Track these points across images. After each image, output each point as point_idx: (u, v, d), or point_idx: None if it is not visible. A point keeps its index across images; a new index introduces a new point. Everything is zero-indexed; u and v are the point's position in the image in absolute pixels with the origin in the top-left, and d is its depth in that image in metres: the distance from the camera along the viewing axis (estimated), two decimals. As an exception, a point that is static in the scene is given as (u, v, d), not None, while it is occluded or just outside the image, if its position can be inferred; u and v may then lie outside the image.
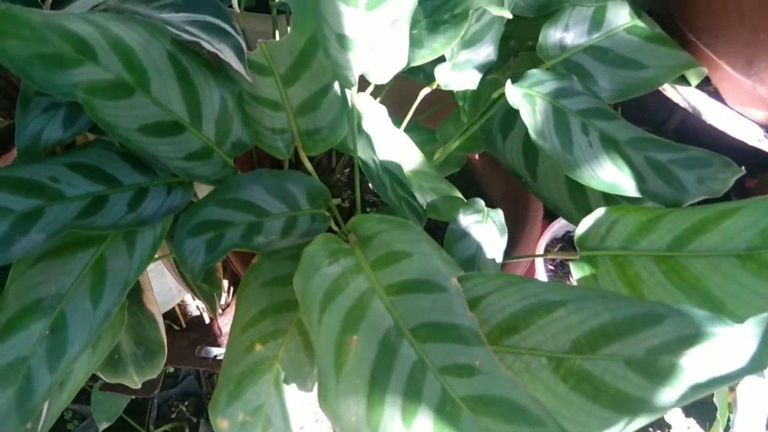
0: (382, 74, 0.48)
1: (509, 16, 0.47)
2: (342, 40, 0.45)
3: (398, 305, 0.43)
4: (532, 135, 0.52)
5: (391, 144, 0.63)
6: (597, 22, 0.56)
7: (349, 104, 0.51)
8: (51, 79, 0.38)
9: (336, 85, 0.52)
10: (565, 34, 0.56)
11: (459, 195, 0.65)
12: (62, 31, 0.40)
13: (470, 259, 0.57)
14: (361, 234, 0.50)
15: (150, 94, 0.45)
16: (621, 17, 0.56)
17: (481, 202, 0.60)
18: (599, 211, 0.53)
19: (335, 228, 0.57)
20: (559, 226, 0.92)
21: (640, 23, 0.56)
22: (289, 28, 0.73)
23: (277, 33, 0.69)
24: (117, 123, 0.42)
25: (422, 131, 0.73)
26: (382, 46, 0.46)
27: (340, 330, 0.43)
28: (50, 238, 0.40)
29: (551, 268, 0.88)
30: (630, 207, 0.52)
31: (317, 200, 0.53)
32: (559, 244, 0.90)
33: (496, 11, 0.46)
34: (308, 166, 0.56)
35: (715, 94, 0.59)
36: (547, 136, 0.52)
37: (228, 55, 0.47)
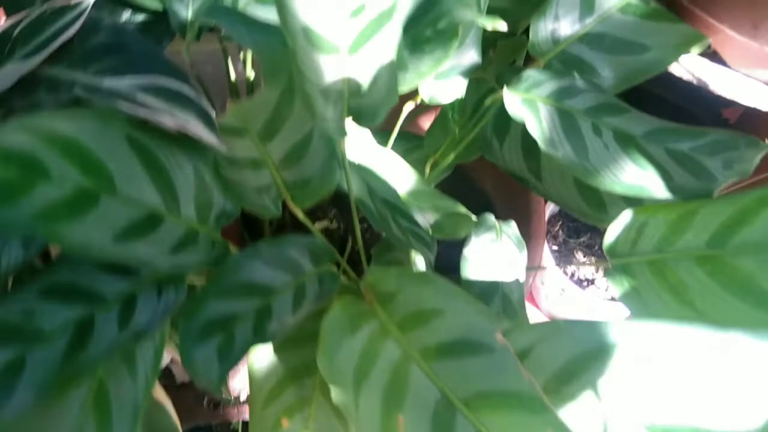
0: (373, 118, 0.42)
1: (504, 28, 0.41)
2: (326, 93, 0.39)
3: (441, 373, 0.39)
4: (543, 146, 0.47)
5: (380, 169, 0.57)
6: (588, 5, 0.51)
7: (339, 152, 0.46)
8: (1, 218, 0.32)
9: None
10: (555, 24, 0.51)
11: (462, 209, 0.60)
12: None
13: (493, 286, 0.53)
14: (380, 291, 0.45)
15: (117, 194, 0.38)
16: (612, -3, 0.51)
17: (491, 218, 0.55)
18: (626, 215, 0.49)
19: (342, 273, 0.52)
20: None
21: (633, 0, 0.51)
22: (244, 54, 0.66)
23: (231, 68, 0.63)
24: (90, 242, 0.36)
25: (407, 138, 0.68)
26: (371, 89, 0.40)
27: (382, 412, 0.39)
28: (41, 392, 0.34)
29: (555, 248, 0.85)
30: (657, 205, 0.48)
31: (322, 258, 0.48)
32: (559, 222, 0.86)
33: (490, 25, 0.41)
34: (306, 222, 0.50)
35: (715, 57, 0.55)
36: (558, 144, 0.48)
37: (194, 126, 0.41)
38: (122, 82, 0.45)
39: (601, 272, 0.82)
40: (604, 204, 0.55)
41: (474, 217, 0.61)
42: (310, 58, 0.37)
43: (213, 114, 0.43)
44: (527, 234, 0.68)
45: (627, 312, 0.81)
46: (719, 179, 0.47)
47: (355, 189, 0.51)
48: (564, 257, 0.84)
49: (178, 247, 0.43)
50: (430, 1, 0.46)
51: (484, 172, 0.77)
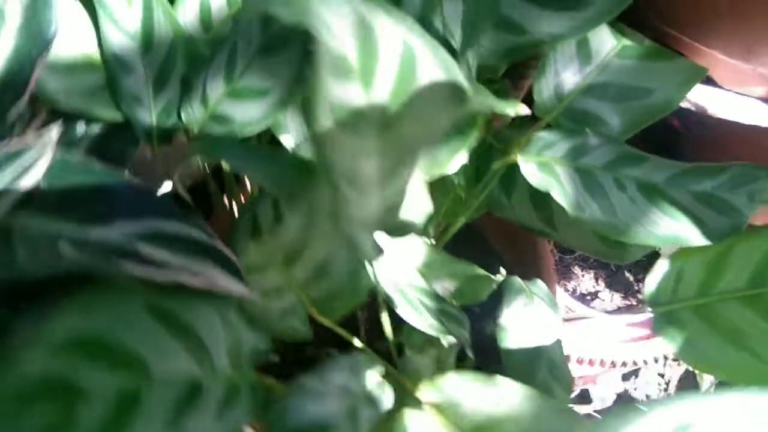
0: (407, 232, 0.39)
1: (527, 112, 0.39)
2: (362, 223, 0.36)
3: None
4: (570, 211, 0.45)
5: (391, 247, 0.54)
6: (585, 55, 0.49)
7: (372, 276, 0.43)
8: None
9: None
10: (557, 80, 0.49)
11: (480, 271, 0.58)
12: (25, 386, 0.28)
13: (535, 352, 0.52)
14: (440, 402, 0.43)
15: (155, 380, 0.34)
16: (606, 42, 0.50)
17: (517, 281, 0.54)
18: (663, 265, 0.48)
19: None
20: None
21: (626, 42, 0.50)
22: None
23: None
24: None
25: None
26: (407, 209, 0.37)
27: None
28: None
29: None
30: (691, 248, 0.47)
31: (370, 375, 0.45)
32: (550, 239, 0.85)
33: (512, 112, 0.38)
34: (346, 336, 0.47)
35: (707, 80, 0.54)
36: (584, 205, 0.46)
37: (221, 280, 0.37)
38: (113, 232, 0.40)
39: (602, 284, 0.82)
40: (624, 245, 0.54)
41: (494, 277, 0.59)
42: (352, 197, 0.33)
43: (233, 257, 0.39)
44: (538, 270, 0.66)
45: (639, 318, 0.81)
46: (744, 213, 0.46)
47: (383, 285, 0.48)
48: (561, 274, 0.83)
49: (223, 408, 0.39)
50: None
51: (485, 223, 0.75)
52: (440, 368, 0.54)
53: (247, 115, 0.51)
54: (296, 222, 0.39)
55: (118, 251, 0.39)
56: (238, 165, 0.38)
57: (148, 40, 0.52)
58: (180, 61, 0.53)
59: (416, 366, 0.52)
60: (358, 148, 0.29)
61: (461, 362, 0.55)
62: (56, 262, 0.42)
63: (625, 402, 0.93)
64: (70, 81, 0.53)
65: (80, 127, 0.56)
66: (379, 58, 0.27)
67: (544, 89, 0.49)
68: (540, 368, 0.52)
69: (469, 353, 0.53)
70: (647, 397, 0.94)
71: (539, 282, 0.53)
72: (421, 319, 0.49)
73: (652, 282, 0.48)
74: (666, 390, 0.95)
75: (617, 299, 0.81)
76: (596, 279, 0.82)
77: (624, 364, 0.89)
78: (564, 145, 0.47)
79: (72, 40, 0.53)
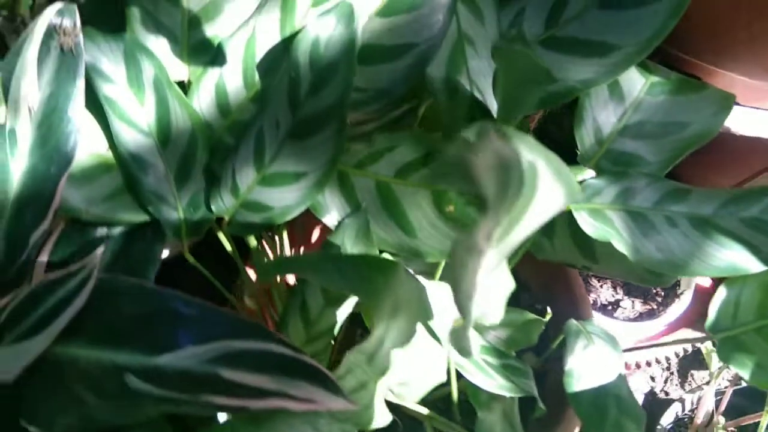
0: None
1: (593, 174, 0.39)
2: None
3: None
4: (631, 256, 0.46)
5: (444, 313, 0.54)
6: (618, 96, 0.50)
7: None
8: None
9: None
10: (595, 125, 0.49)
11: (531, 315, 0.58)
12: None
13: (602, 391, 0.52)
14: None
15: None
16: (635, 82, 0.50)
17: (575, 324, 0.54)
18: (721, 292, 0.48)
19: None
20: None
21: (654, 78, 0.50)
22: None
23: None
24: None
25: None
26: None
27: None
28: None
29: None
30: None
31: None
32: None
33: (582, 177, 0.38)
34: (418, 410, 0.45)
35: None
36: (642, 247, 0.46)
37: (323, 399, 0.35)
38: (185, 358, 0.38)
39: (621, 292, 0.83)
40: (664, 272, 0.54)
41: (544, 319, 0.59)
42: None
43: (322, 368, 0.37)
44: (576, 312, 0.67)
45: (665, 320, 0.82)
46: (793, 232, 0.48)
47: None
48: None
49: None
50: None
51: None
52: (507, 421, 0.54)
53: (284, 200, 0.49)
54: (381, 326, 0.38)
55: (197, 380, 0.38)
56: (321, 280, 0.36)
57: (165, 135, 0.50)
58: (201, 151, 0.51)
59: (489, 425, 0.52)
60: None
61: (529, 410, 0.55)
62: (128, 401, 0.40)
63: (654, 401, 0.94)
64: (89, 189, 0.50)
65: (100, 231, 0.54)
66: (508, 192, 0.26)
67: (585, 137, 0.49)
68: (609, 407, 0.52)
69: (540, 404, 0.53)
70: (666, 393, 0.96)
71: (593, 321, 0.54)
72: (491, 381, 0.49)
73: (711, 311, 0.48)
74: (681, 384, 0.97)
75: (638, 305, 0.82)
76: (614, 288, 0.83)
77: (648, 364, 0.90)
78: (612, 190, 0.47)
79: (84, 145, 0.51)
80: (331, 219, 0.50)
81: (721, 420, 0.89)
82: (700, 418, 0.94)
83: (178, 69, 0.51)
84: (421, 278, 0.56)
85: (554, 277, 0.68)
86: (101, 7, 0.54)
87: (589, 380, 0.52)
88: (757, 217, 0.47)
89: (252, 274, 0.69)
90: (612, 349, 0.53)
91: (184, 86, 0.52)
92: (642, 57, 0.46)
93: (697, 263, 0.46)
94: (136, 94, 0.49)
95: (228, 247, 0.56)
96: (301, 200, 0.49)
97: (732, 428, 0.89)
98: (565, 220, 0.52)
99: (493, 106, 0.50)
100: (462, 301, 0.29)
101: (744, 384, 0.90)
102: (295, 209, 0.49)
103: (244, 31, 0.49)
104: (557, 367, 0.61)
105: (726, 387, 0.91)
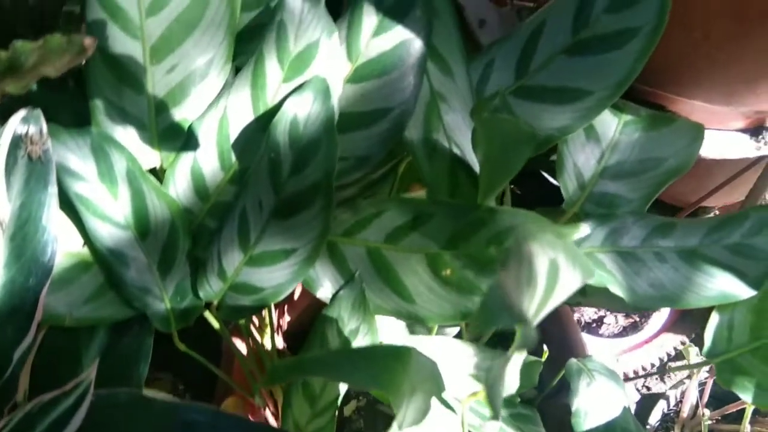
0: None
1: (588, 231, 0.39)
2: None
3: None
4: (628, 299, 0.46)
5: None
6: (596, 140, 0.50)
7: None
8: None
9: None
10: (576, 171, 0.50)
11: (531, 357, 0.58)
12: None
13: (609, 427, 0.52)
14: None
15: None
16: (609, 123, 0.51)
17: (575, 363, 0.54)
18: (714, 319, 0.50)
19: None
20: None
21: (627, 116, 0.51)
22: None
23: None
24: None
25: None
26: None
27: None
28: None
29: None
30: (734, 296, 0.49)
31: None
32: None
33: (577, 235, 0.39)
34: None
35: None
36: (636, 287, 0.47)
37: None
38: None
39: (603, 309, 0.85)
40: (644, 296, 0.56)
41: (541, 360, 0.59)
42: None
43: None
44: (571, 347, 0.67)
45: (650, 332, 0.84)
46: (772, 252, 0.49)
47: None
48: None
49: None
50: (478, 221, 0.43)
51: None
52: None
53: (274, 279, 0.48)
54: (402, 409, 0.37)
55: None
56: (335, 377, 0.36)
57: (143, 226, 0.48)
58: (183, 238, 0.49)
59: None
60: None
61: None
62: None
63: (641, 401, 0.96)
64: (69, 292, 0.48)
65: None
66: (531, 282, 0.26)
67: (569, 183, 0.50)
68: (617, 441, 0.53)
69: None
70: (648, 389, 0.98)
71: (593, 357, 0.54)
72: (504, 435, 0.49)
73: (707, 337, 0.50)
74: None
75: (621, 320, 0.83)
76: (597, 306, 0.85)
77: (636, 373, 0.92)
78: (600, 233, 0.48)
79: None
80: (324, 292, 0.49)
81: (706, 412, 0.91)
82: (685, 413, 0.96)
83: (149, 156, 0.49)
84: (421, 338, 0.55)
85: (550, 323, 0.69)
86: (53, 97, 0.52)
87: (596, 418, 0.52)
88: (740, 242, 0.49)
89: (240, 344, 0.67)
90: (614, 384, 0.54)
91: (158, 172, 0.50)
92: (614, 99, 0.47)
93: (689, 295, 0.47)
94: (109, 189, 0.47)
95: (216, 325, 0.55)
96: (293, 277, 0.48)
97: (717, 417, 0.91)
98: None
99: (473, 161, 0.50)
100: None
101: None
102: (288, 287, 0.48)
103: (214, 112, 0.48)
104: (557, 402, 0.61)
105: (706, 378, 0.93)
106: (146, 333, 0.51)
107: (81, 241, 0.50)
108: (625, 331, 0.84)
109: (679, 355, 0.99)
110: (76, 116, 0.49)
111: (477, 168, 0.49)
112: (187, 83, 0.48)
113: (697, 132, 0.50)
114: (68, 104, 0.50)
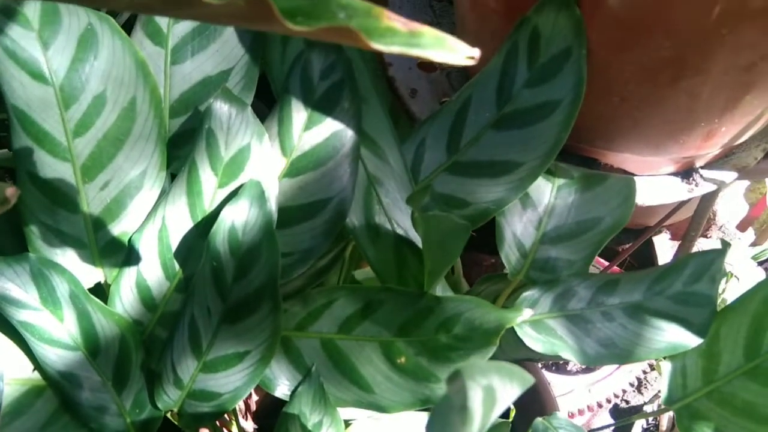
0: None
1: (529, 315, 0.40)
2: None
3: None
4: (580, 361, 0.47)
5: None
6: (532, 207, 0.51)
7: None
8: None
9: None
10: (516, 241, 0.51)
11: (499, 420, 0.59)
12: None
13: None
14: None
15: None
16: (543, 188, 0.52)
17: (541, 423, 0.55)
18: (666, 366, 0.51)
19: None
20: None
21: (560, 180, 0.52)
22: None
23: None
24: None
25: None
26: None
27: None
28: None
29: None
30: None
31: None
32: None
33: (523, 317, 0.39)
34: None
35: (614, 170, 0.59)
36: (587, 348, 0.48)
37: None
38: None
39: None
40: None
41: (509, 420, 0.60)
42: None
43: None
44: (541, 405, 0.68)
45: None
46: (713, 295, 0.51)
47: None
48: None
49: None
50: (426, 309, 0.43)
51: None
52: None
53: (230, 383, 0.48)
54: None
55: None
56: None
57: (93, 346, 0.47)
58: (135, 352, 0.49)
59: None
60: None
61: None
62: None
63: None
64: (23, 422, 0.47)
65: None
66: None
67: (510, 254, 0.51)
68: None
69: None
70: (627, 402, 0.99)
71: (557, 414, 0.55)
72: None
73: (663, 386, 0.51)
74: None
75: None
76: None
77: (608, 401, 0.93)
78: (547, 299, 0.49)
79: (7, 373, 0.48)
80: (283, 389, 0.49)
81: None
82: (664, 426, 0.98)
83: (92, 274, 0.49)
84: (384, 417, 0.55)
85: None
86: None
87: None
88: (682, 290, 0.50)
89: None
90: (579, 438, 0.54)
91: (103, 287, 0.50)
92: (545, 168, 0.48)
93: (639, 350, 0.48)
94: (53, 312, 0.47)
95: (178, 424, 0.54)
96: (249, 379, 0.48)
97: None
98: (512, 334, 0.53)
99: (416, 237, 0.50)
100: None
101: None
102: (245, 390, 0.48)
103: (153, 223, 0.48)
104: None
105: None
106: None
107: (31, 366, 0.49)
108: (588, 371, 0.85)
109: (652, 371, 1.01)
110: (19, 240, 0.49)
111: (420, 243, 0.50)
112: (123, 197, 0.48)
113: (629, 188, 0.52)
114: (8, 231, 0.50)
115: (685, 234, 0.76)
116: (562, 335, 0.48)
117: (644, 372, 0.94)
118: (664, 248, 1.02)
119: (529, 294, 0.49)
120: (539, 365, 0.80)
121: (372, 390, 0.47)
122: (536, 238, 0.52)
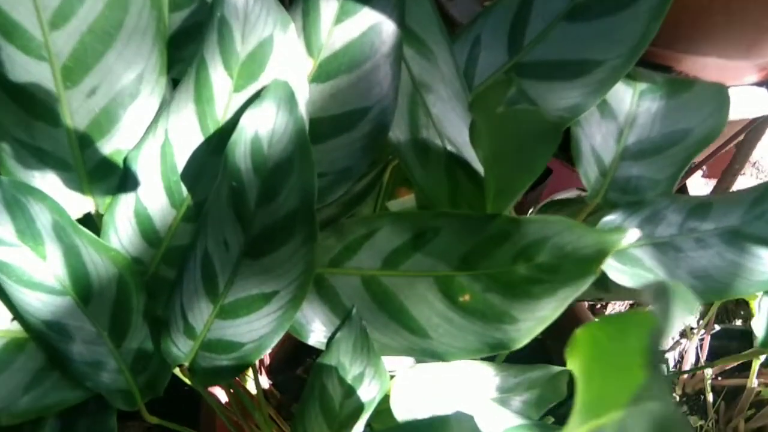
0: None
1: (638, 234, 0.32)
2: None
3: None
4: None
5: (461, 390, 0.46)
6: (611, 117, 0.43)
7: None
8: None
9: None
10: (596, 156, 0.42)
11: (552, 369, 0.51)
12: None
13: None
14: None
15: None
16: (623, 95, 0.44)
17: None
18: (765, 302, 0.44)
19: None
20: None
21: (642, 85, 0.44)
22: None
23: None
24: None
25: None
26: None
27: None
28: None
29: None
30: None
31: None
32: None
33: (626, 241, 0.31)
34: None
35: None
36: (681, 281, 0.41)
37: None
38: None
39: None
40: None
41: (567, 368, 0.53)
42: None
43: None
44: None
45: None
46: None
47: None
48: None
49: None
50: (498, 234, 0.35)
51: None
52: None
53: (255, 331, 0.40)
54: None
55: None
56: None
57: (84, 289, 0.39)
58: (136, 296, 0.40)
59: None
60: None
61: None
62: None
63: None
64: (3, 381, 0.38)
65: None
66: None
67: (589, 171, 0.43)
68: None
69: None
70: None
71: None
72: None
73: (759, 325, 0.43)
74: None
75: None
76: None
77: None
78: (631, 224, 0.41)
79: (-22, 328, 0.39)
80: (317, 337, 0.41)
81: (708, 371, 0.88)
82: (685, 373, 0.93)
83: (80, 202, 0.40)
84: (436, 366, 0.48)
85: (563, 321, 0.62)
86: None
87: None
88: (785, 213, 0.42)
89: (219, 392, 0.59)
90: None
91: (93, 219, 0.41)
92: (629, 68, 0.40)
93: (739, 282, 0.41)
94: (34, 249, 0.38)
95: (188, 381, 0.46)
96: (278, 325, 0.40)
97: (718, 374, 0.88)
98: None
99: (472, 156, 0.42)
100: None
101: (717, 327, 0.90)
102: (273, 338, 0.40)
103: (153, 138, 0.39)
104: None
105: (703, 335, 0.90)
106: (106, 411, 0.42)
107: (9, 315, 0.40)
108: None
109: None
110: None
111: (478, 167, 0.41)
112: (115, 107, 0.39)
113: (722, 94, 0.44)
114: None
115: (726, 168, 0.68)
116: (651, 267, 0.40)
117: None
118: (697, 187, 0.95)
119: (610, 219, 0.41)
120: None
121: (427, 335, 0.39)
122: (617, 153, 0.44)
